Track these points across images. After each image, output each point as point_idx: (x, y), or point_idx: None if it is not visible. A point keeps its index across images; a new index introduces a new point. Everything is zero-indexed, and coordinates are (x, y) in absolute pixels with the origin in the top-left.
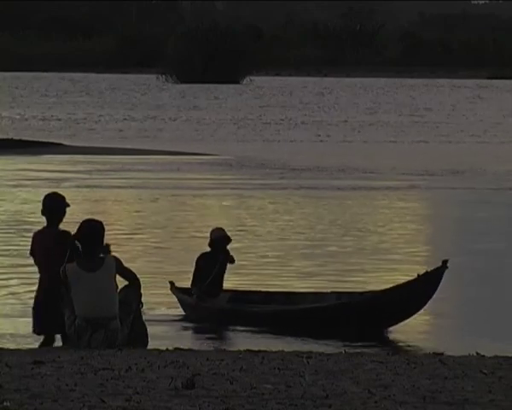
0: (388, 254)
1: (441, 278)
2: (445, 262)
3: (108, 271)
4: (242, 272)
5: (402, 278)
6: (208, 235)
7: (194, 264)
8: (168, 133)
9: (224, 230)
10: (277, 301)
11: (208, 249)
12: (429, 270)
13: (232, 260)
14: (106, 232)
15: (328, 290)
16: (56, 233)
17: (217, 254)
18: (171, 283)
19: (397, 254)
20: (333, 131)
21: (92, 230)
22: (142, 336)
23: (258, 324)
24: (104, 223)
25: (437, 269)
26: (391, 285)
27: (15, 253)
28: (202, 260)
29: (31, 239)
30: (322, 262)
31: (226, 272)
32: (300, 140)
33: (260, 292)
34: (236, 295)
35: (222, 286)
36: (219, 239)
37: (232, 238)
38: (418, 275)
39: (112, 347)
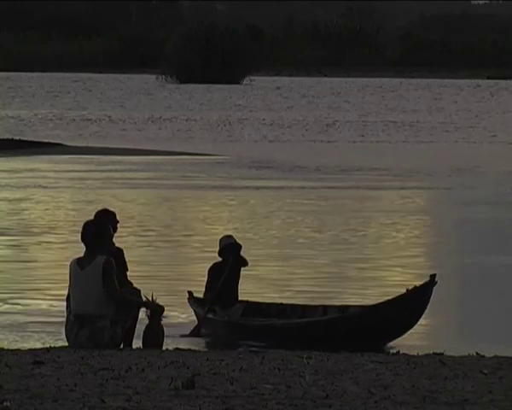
0: (391, 261)
1: (430, 294)
2: (432, 277)
3: (96, 270)
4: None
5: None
6: (217, 242)
7: (203, 270)
8: (168, 133)
9: (232, 237)
10: (293, 314)
11: (219, 259)
12: (418, 285)
13: (244, 263)
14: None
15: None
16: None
17: (227, 262)
18: (190, 292)
19: (403, 260)
20: (340, 130)
21: (88, 229)
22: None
23: (270, 338)
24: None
25: (425, 284)
26: (381, 300)
27: (15, 253)
28: (213, 269)
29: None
30: (322, 270)
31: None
32: (303, 140)
33: (276, 304)
34: (251, 306)
35: (237, 295)
36: (228, 247)
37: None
38: (407, 290)
39: (98, 345)
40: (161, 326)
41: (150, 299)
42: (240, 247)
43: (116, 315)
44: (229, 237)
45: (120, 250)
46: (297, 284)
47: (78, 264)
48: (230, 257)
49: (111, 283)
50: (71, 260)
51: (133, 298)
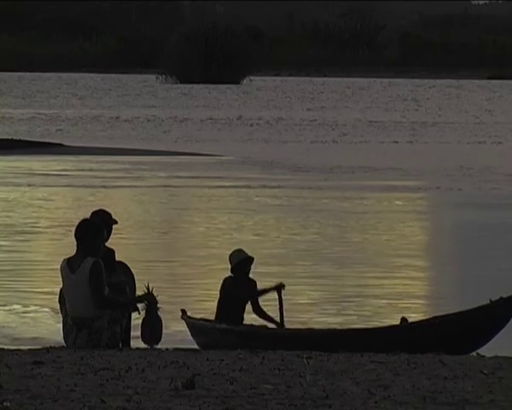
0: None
1: None
2: None
3: (84, 273)
4: None
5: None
6: (226, 258)
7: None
8: (169, 133)
9: (243, 251)
10: None
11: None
12: (505, 296)
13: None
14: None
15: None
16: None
17: (241, 278)
18: (183, 311)
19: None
20: (345, 130)
21: (82, 227)
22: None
23: (287, 345)
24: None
25: None
26: (453, 311)
27: (14, 254)
28: (227, 285)
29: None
30: (323, 279)
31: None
32: (304, 140)
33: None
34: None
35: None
36: (242, 262)
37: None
38: (490, 301)
39: (97, 346)
40: (159, 317)
41: (147, 290)
42: (252, 260)
43: (114, 314)
44: (240, 251)
45: (111, 251)
46: (299, 300)
47: (69, 266)
48: (245, 276)
49: (96, 289)
50: (61, 260)
51: (121, 299)
